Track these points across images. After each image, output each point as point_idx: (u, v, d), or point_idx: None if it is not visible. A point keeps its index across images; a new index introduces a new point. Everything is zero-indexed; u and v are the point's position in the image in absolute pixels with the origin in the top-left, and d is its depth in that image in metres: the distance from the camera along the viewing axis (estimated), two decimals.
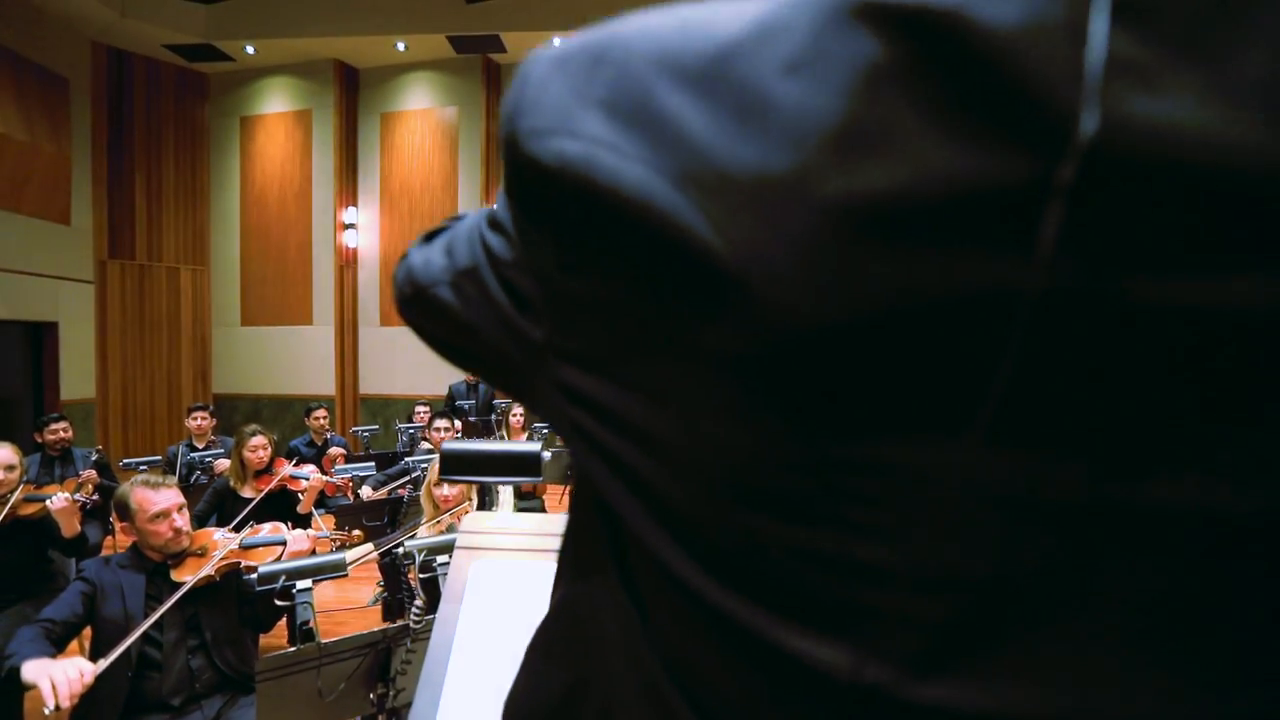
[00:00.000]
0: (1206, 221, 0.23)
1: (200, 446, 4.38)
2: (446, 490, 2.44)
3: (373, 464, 3.33)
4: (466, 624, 1.00)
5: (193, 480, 3.58)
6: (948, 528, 0.25)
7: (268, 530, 2.05)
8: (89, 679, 1.48)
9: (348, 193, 7.97)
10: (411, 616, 1.38)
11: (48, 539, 2.64)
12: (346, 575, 1.48)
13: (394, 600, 2.54)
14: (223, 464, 4.10)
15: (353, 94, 7.99)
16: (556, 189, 0.29)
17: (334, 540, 2.14)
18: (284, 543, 1.97)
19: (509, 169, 0.32)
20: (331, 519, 3.83)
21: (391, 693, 1.45)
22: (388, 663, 1.45)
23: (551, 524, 1.09)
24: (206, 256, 8.16)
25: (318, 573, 1.43)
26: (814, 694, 0.27)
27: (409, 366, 7.98)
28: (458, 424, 6.00)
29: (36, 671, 1.46)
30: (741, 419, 0.27)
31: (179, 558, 1.90)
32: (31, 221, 6.44)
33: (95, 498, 2.68)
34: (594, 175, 0.28)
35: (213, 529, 2.04)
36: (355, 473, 2.99)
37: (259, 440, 3.16)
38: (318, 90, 7.81)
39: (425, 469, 3.02)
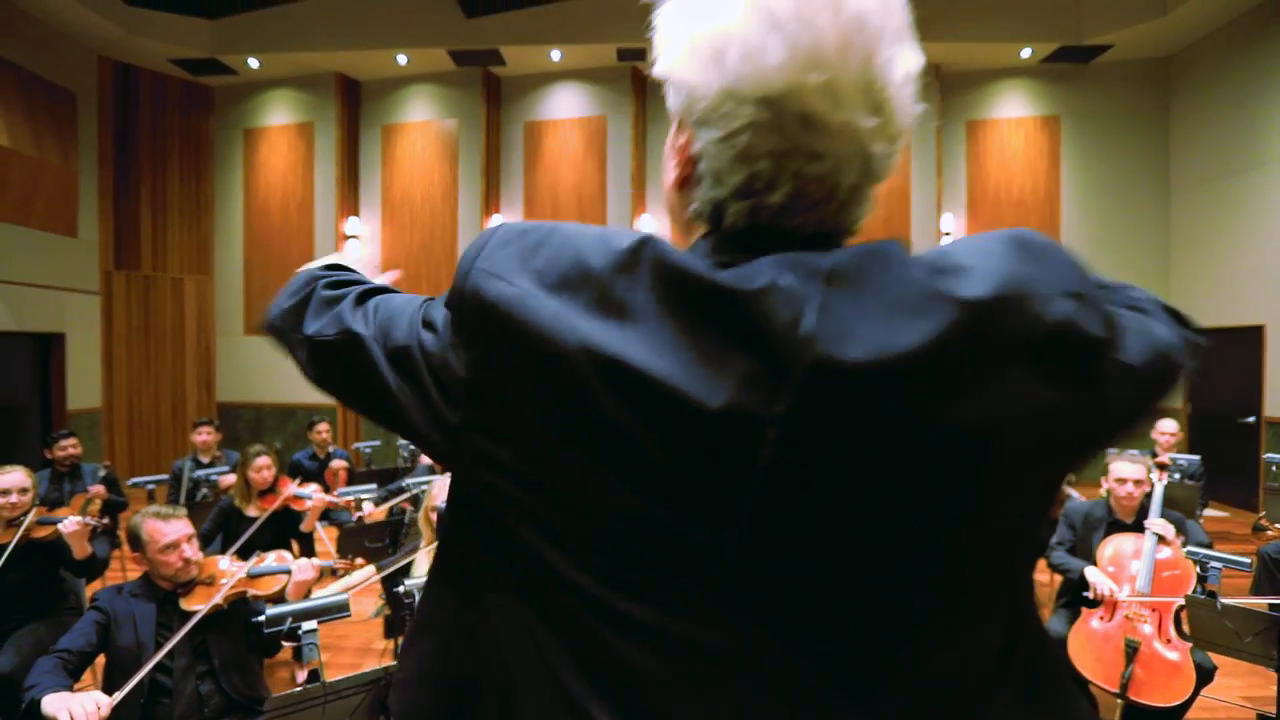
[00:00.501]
0: (851, 423, 0.40)
1: (206, 461, 4.46)
2: None
3: (374, 484, 3.42)
4: None
5: (199, 498, 3.66)
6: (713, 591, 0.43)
7: (274, 559, 2.13)
8: (105, 711, 1.55)
9: (349, 204, 8.05)
10: None
11: (59, 560, 2.72)
12: (349, 616, 1.56)
13: (396, 617, 2.62)
14: (228, 479, 4.18)
15: (354, 106, 8.08)
16: (492, 314, 0.44)
17: (338, 569, 2.22)
18: (289, 572, 2.05)
19: (458, 291, 0.47)
20: (335, 530, 3.92)
21: None
22: (389, 698, 1.52)
23: None
24: (210, 266, 8.25)
25: (323, 613, 1.51)
26: (658, 658, 0.44)
27: None
28: None
29: (56, 705, 1.54)
30: (599, 495, 0.43)
31: (188, 586, 1.98)
32: (39, 234, 6.53)
33: (105, 521, 2.75)
34: (520, 311, 0.43)
35: (219, 557, 2.12)
36: (358, 494, 3.08)
37: (264, 460, 3.24)
38: (320, 103, 7.89)
39: (424, 490, 3.10)
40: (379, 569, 2.61)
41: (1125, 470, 2.75)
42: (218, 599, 1.90)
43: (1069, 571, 2.81)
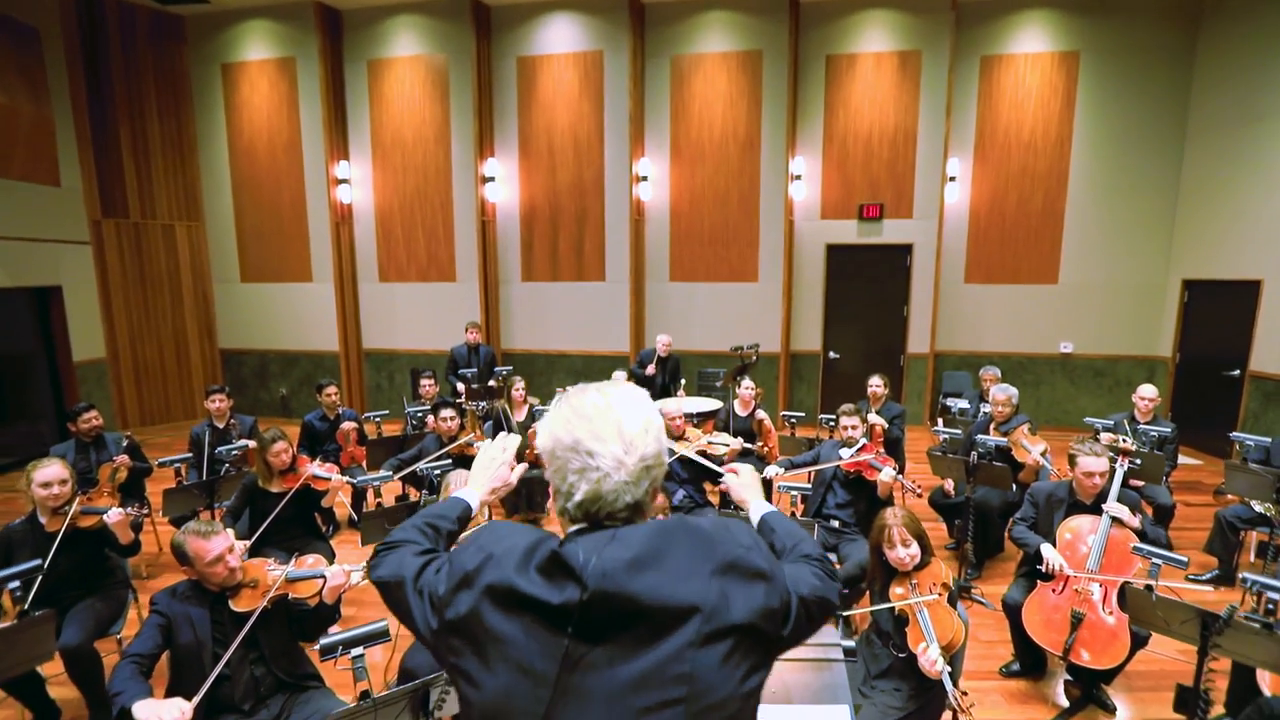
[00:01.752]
0: (628, 619, 0.82)
1: (221, 426, 4.64)
2: None
3: (390, 473, 3.64)
4: None
5: (222, 472, 3.86)
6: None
7: (310, 563, 2.34)
8: (189, 715, 1.81)
9: (338, 146, 7.79)
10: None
11: (105, 543, 2.95)
12: (390, 640, 1.77)
13: None
14: (247, 443, 4.39)
15: (336, 40, 7.63)
16: (447, 601, 0.88)
17: (365, 572, 2.44)
18: (324, 577, 2.27)
19: (428, 588, 0.92)
20: (350, 490, 4.18)
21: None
22: (427, 698, 1.77)
23: None
24: (200, 212, 8.08)
25: (368, 640, 1.72)
26: None
27: (410, 322, 8.14)
28: (461, 389, 6.23)
29: (147, 712, 1.79)
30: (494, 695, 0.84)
31: (235, 589, 2.20)
32: (21, 186, 6.37)
33: (145, 512, 2.95)
34: (456, 588, 0.88)
35: (261, 561, 2.32)
36: (375, 481, 3.29)
37: (280, 445, 3.41)
38: (299, 36, 7.45)
39: (436, 474, 3.30)
40: None
41: (1092, 465, 2.96)
42: (263, 603, 2.12)
43: (1026, 546, 3.08)
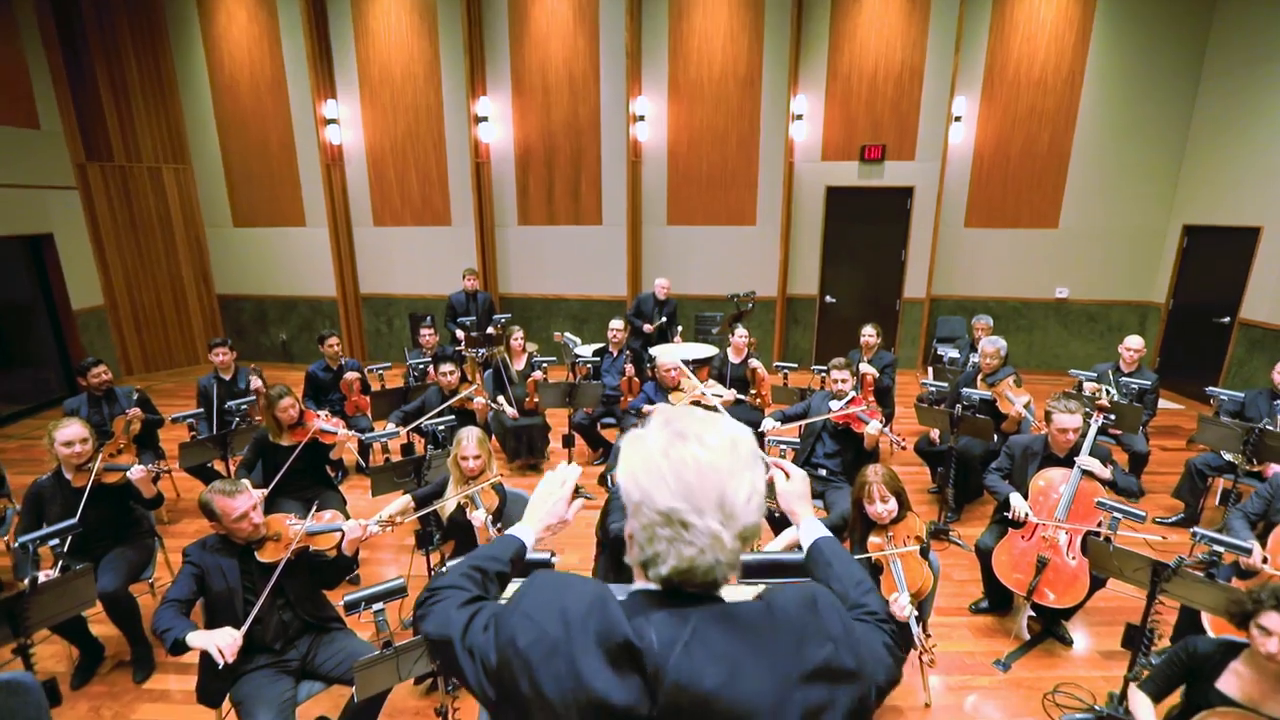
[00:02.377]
0: None
1: (227, 379, 4.75)
2: (472, 463, 2.86)
3: (396, 427, 3.76)
4: None
5: (233, 426, 3.99)
6: None
7: (328, 518, 2.50)
8: (240, 641, 2.02)
9: (325, 84, 7.50)
10: None
11: (129, 497, 3.11)
12: (407, 596, 1.93)
13: (424, 532, 3.09)
14: (256, 383, 4.52)
15: None
16: (499, 675, 0.80)
17: (381, 525, 2.60)
18: (342, 531, 2.43)
19: (479, 652, 0.84)
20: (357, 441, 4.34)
21: None
22: None
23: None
24: (186, 154, 7.87)
25: (388, 596, 1.89)
26: None
27: (406, 266, 8.11)
28: (461, 337, 6.29)
29: (203, 640, 2.02)
30: None
31: (260, 542, 2.37)
32: (1, 130, 6.19)
33: (166, 469, 3.09)
34: (508, 663, 0.79)
35: (282, 516, 2.48)
36: (382, 438, 3.43)
37: (287, 401, 3.52)
38: None
39: (440, 429, 3.43)
40: (414, 500, 3.03)
41: (1066, 422, 3.09)
42: (287, 555, 2.29)
43: (997, 494, 3.26)
